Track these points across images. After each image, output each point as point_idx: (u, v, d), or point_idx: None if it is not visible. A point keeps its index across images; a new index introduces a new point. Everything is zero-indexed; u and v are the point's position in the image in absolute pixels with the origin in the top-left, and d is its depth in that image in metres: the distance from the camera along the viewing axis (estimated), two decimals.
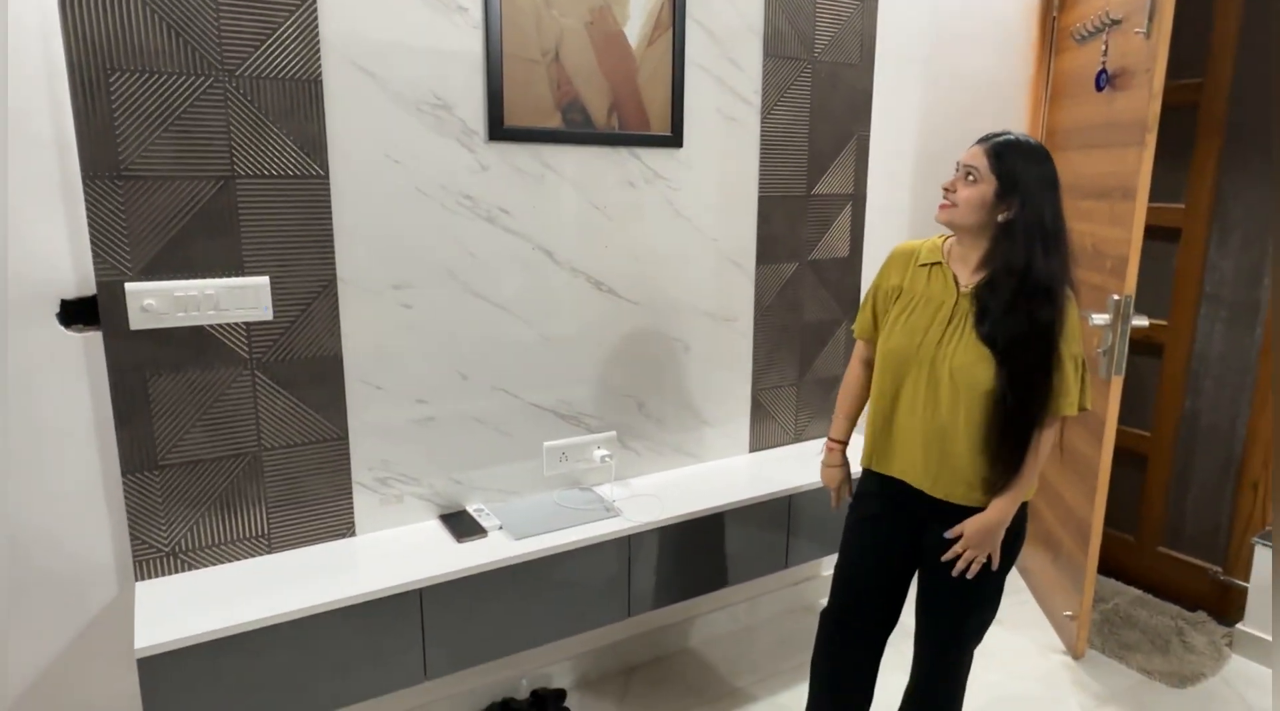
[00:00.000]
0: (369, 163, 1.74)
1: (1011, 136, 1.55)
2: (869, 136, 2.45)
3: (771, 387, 2.45)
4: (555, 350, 2.05)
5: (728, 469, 2.34)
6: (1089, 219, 2.45)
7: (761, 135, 2.25)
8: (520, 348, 2.00)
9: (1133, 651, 2.56)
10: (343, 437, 1.81)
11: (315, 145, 1.67)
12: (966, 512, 1.61)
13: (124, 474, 1.61)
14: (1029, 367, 1.52)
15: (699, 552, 2.09)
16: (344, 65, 1.67)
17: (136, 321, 1.56)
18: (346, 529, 1.86)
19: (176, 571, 1.69)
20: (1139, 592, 2.91)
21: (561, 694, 2.24)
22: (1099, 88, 2.38)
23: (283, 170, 1.65)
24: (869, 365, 1.80)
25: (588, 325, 2.09)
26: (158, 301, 1.57)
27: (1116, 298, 2.24)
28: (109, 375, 1.57)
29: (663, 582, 2.03)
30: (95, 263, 1.52)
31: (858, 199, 2.47)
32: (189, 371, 1.63)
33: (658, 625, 2.46)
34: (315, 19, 1.62)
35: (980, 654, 1.78)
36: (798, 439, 2.54)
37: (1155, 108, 2.11)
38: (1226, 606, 2.72)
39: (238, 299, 1.64)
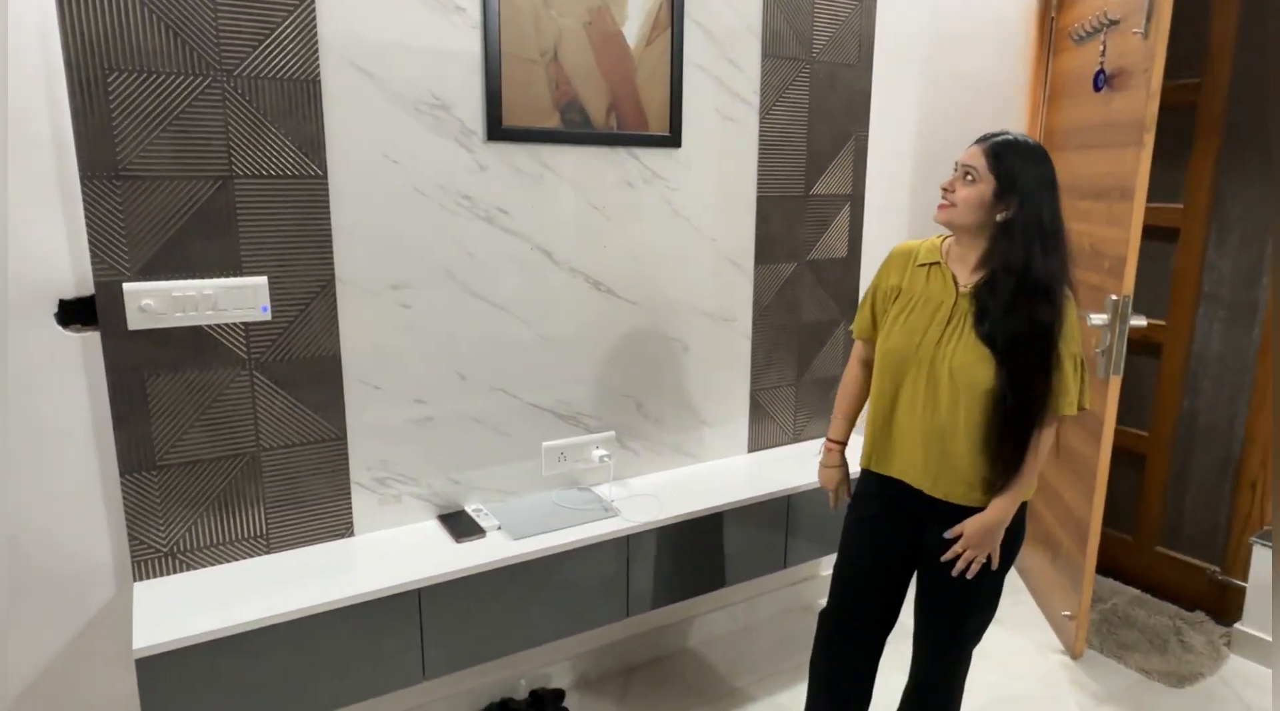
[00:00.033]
0: (367, 163, 1.74)
1: (1010, 136, 1.56)
2: (867, 137, 2.45)
3: (770, 388, 2.45)
4: (554, 350, 2.05)
5: (726, 469, 2.34)
6: (1087, 219, 2.45)
7: (760, 135, 2.25)
8: (519, 348, 2.00)
9: (1131, 651, 2.56)
10: (341, 438, 1.81)
11: (313, 145, 1.67)
12: (966, 512, 1.61)
13: (122, 474, 1.61)
14: (1029, 367, 1.52)
15: (698, 553, 2.09)
16: (342, 65, 1.67)
17: (135, 321, 1.56)
18: (345, 529, 1.86)
19: (175, 571, 1.69)
20: (1137, 592, 2.92)
21: (560, 694, 2.24)
22: (1097, 88, 2.38)
23: (281, 170, 1.65)
24: (868, 365, 1.80)
25: (586, 325, 2.09)
26: (156, 301, 1.57)
27: (1115, 297, 2.24)
28: (107, 375, 1.57)
29: (661, 583, 2.03)
30: (93, 263, 1.52)
31: (856, 199, 2.47)
32: (187, 371, 1.63)
33: (656, 625, 2.46)
34: (313, 19, 1.62)
35: (979, 654, 1.78)
36: (796, 439, 2.54)
37: (1153, 108, 2.11)
38: (1225, 606, 2.73)
39: (236, 299, 1.64)
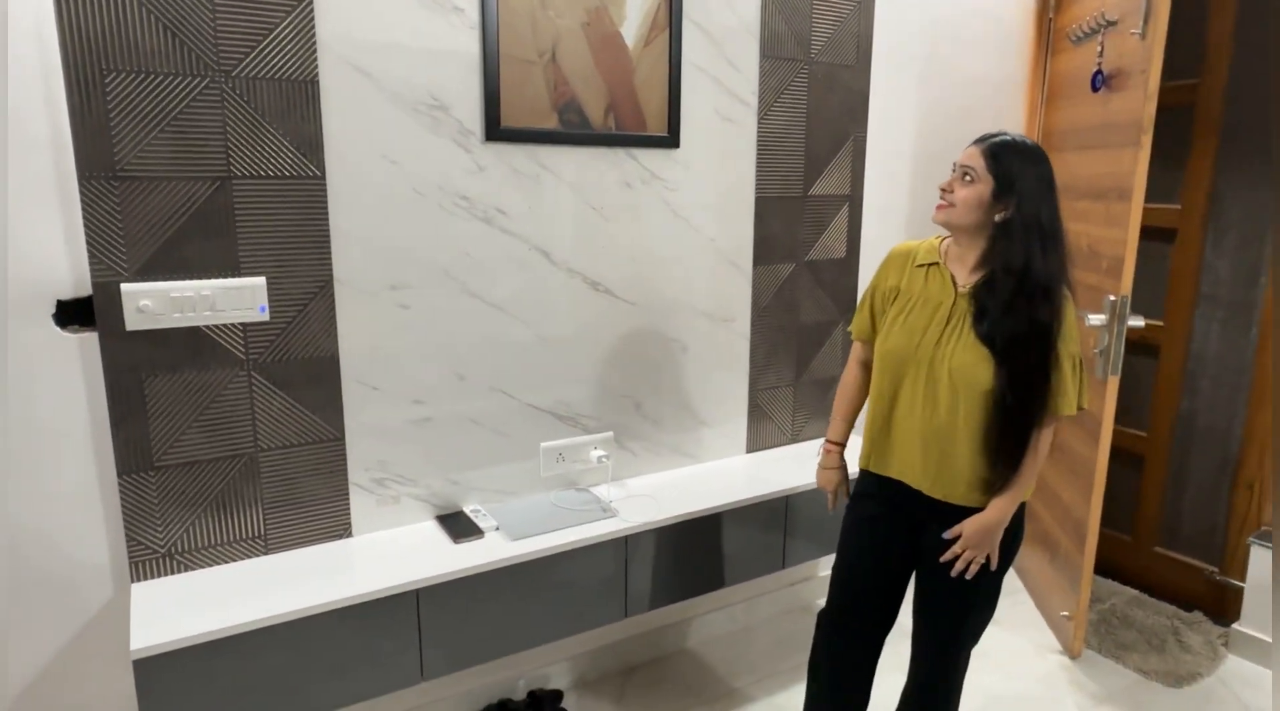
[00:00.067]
0: (366, 163, 1.73)
1: (1008, 137, 1.56)
2: (865, 137, 2.46)
3: (769, 388, 2.45)
4: (552, 351, 2.05)
5: (725, 469, 2.34)
6: (1085, 219, 2.45)
7: (758, 136, 2.25)
8: (517, 348, 2.00)
9: (1129, 651, 2.56)
10: (339, 438, 1.81)
11: (312, 146, 1.67)
12: (965, 513, 1.61)
13: (120, 475, 1.61)
14: (1028, 367, 1.52)
15: (696, 553, 2.09)
16: (340, 66, 1.67)
17: (132, 322, 1.56)
18: (343, 530, 1.86)
19: (173, 572, 1.69)
20: (1135, 592, 2.92)
21: (559, 695, 2.24)
22: (1095, 89, 2.39)
23: (279, 171, 1.64)
24: (866, 366, 1.81)
25: (585, 326, 2.09)
26: (154, 302, 1.57)
27: (1113, 298, 2.24)
28: (105, 376, 1.57)
29: (660, 583, 2.03)
30: (91, 263, 1.52)
31: (854, 200, 2.47)
32: (185, 372, 1.63)
33: (655, 626, 2.46)
34: (312, 19, 1.62)
35: (977, 654, 1.78)
36: (795, 439, 2.54)
37: (1151, 108, 2.12)
38: (1223, 606, 2.73)
39: (234, 299, 1.64)
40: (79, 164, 1.48)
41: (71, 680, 1.67)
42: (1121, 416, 2.61)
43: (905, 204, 2.65)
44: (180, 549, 1.69)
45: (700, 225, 2.21)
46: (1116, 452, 2.45)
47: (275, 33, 1.59)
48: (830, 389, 2.52)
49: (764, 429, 2.47)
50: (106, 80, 1.47)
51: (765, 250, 2.34)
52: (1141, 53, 2.14)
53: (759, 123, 2.25)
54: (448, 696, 2.11)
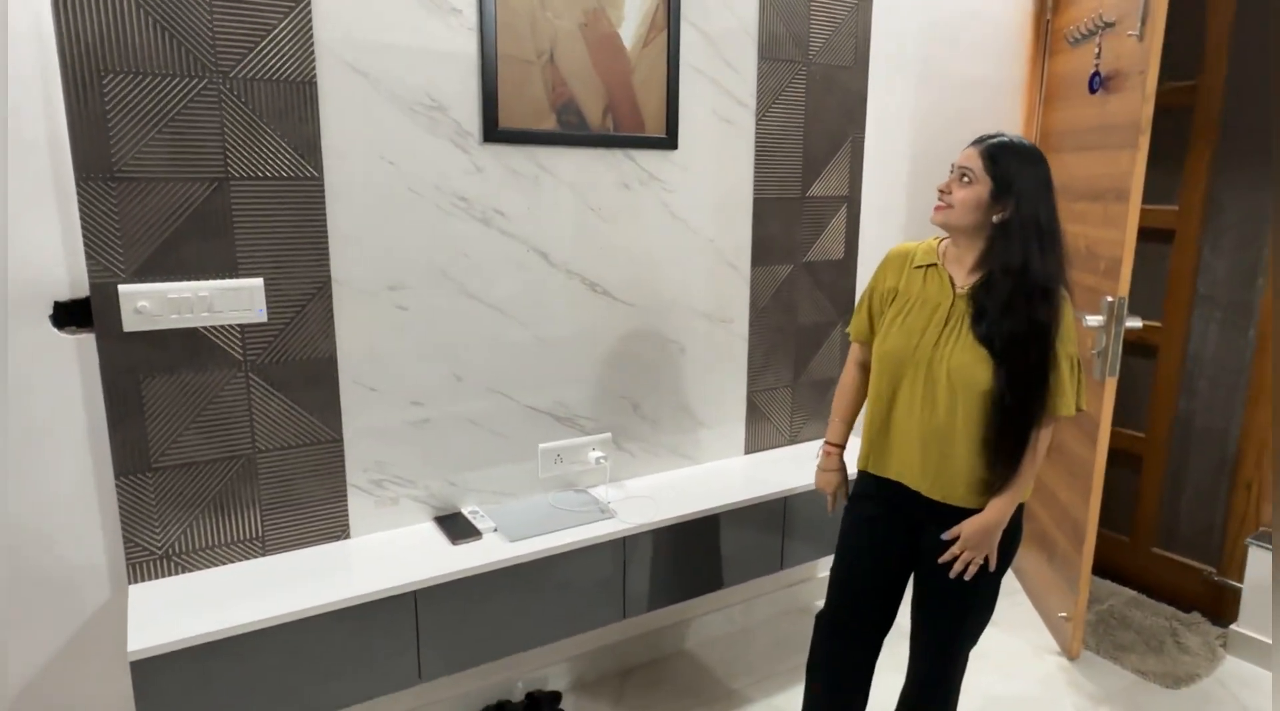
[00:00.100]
0: (364, 164, 1.73)
1: (1005, 138, 1.56)
2: (863, 138, 2.46)
3: (767, 389, 2.45)
4: (550, 352, 2.05)
5: (723, 470, 2.34)
6: (1083, 221, 2.45)
7: (756, 137, 2.26)
8: (515, 349, 2.00)
9: (1127, 652, 2.56)
10: (337, 440, 1.81)
11: (310, 147, 1.67)
12: (963, 514, 1.61)
13: (117, 476, 1.61)
14: (1027, 368, 1.52)
15: (694, 554, 2.09)
16: (338, 67, 1.67)
17: (130, 323, 1.56)
18: (341, 531, 1.86)
19: (170, 574, 1.69)
20: (1134, 593, 2.92)
21: (557, 696, 2.24)
22: (1092, 90, 2.39)
23: (277, 172, 1.64)
24: (865, 368, 1.81)
25: (583, 327, 2.09)
26: (151, 303, 1.57)
27: (1110, 299, 2.24)
28: (102, 377, 1.56)
29: (658, 584, 2.03)
30: (88, 264, 1.51)
31: (852, 201, 2.48)
32: (183, 373, 1.63)
33: (653, 627, 2.46)
34: (309, 20, 1.62)
35: (975, 655, 1.78)
36: (793, 440, 2.54)
37: (1148, 110, 2.12)
38: (1221, 607, 2.73)
39: (232, 301, 1.64)
40: (76, 165, 1.48)
41: (69, 681, 1.67)
42: (1119, 417, 2.61)
43: (903, 205, 2.65)
44: (178, 550, 1.69)
45: (698, 226, 2.21)
46: (1114, 453, 2.45)
47: (273, 33, 1.59)
48: (828, 390, 2.52)
49: (762, 430, 2.47)
50: (104, 81, 1.47)
51: (763, 251, 2.34)
52: (1139, 54, 2.14)
53: (757, 124, 2.25)
54: (445, 698, 2.11)
